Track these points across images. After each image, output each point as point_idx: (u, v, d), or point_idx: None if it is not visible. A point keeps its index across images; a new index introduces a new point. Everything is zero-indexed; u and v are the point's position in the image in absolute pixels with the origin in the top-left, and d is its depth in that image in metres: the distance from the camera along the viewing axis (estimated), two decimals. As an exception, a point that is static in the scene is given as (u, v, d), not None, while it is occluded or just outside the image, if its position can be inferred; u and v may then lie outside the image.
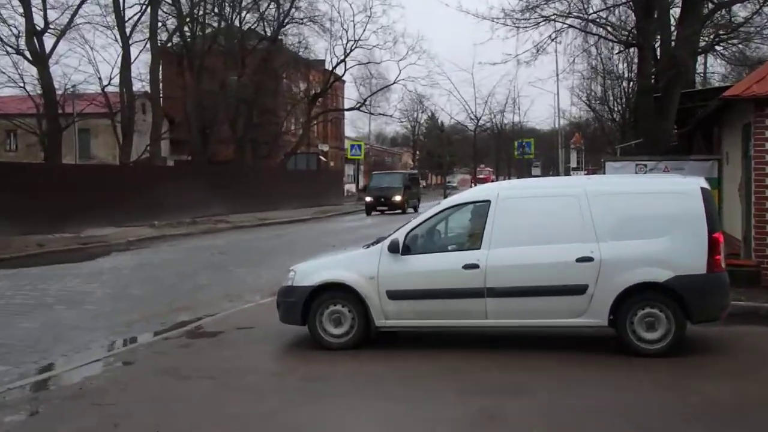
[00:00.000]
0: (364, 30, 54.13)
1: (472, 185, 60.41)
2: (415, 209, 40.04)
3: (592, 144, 57.87)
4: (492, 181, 59.93)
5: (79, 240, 24.03)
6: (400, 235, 8.99)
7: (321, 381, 7.69)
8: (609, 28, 23.07)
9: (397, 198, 41.11)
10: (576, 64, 56.79)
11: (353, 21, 53.77)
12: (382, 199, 41.27)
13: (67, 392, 7.57)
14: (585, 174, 51.81)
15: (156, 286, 14.78)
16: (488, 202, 8.93)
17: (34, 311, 12.09)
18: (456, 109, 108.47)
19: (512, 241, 8.70)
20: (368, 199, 42.61)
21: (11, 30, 33.67)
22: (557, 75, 48.58)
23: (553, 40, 27.50)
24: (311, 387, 7.48)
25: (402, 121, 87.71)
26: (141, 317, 11.62)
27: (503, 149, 67.66)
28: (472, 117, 63.16)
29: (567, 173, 55.44)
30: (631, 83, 43.70)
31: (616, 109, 47.27)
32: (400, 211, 40.28)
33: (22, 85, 35.28)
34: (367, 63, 58.04)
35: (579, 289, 8.42)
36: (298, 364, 8.50)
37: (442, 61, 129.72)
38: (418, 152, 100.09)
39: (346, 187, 70.87)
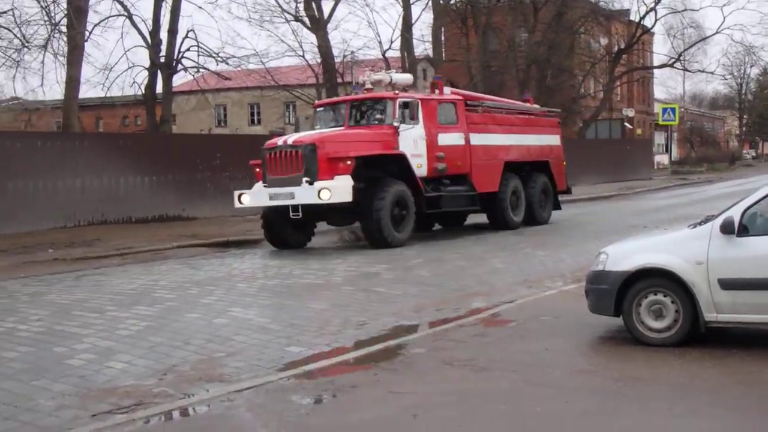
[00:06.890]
0: (681, -30, 51.98)
1: None
2: None
3: None
4: None
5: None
6: (735, 213, 8.54)
7: (641, 383, 7.51)
8: None
9: None
10: None
11: (666, -42, 51.86)
12: None
13: (360, 378, 8.08)
14: None
15: (444, 269, 15.31)
16: None
17: (323, 291, 13.04)
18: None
19: None
20: None
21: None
22: None
23: None
24: (629, 389, 7.34)
25: (726, 79, 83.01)
26: (431, 302, 12.08)
27: None
28: (818, 70, 58.29)
29: None
30: None
31: None
32: None
33: (301, 53, 37.75)
34: (683, 10, 55.85)
35: None
36: (609, 361, 8.40)
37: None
38: (746, 116, 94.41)
39: (656, 158, 68.59)
